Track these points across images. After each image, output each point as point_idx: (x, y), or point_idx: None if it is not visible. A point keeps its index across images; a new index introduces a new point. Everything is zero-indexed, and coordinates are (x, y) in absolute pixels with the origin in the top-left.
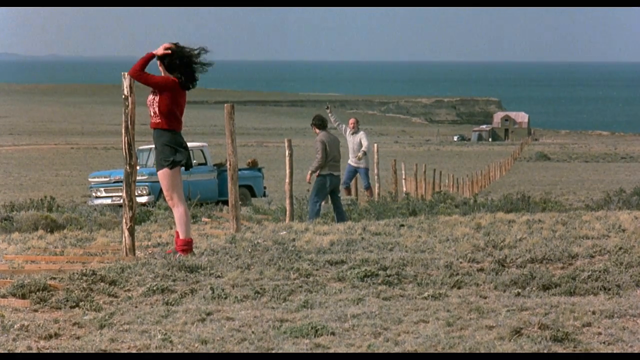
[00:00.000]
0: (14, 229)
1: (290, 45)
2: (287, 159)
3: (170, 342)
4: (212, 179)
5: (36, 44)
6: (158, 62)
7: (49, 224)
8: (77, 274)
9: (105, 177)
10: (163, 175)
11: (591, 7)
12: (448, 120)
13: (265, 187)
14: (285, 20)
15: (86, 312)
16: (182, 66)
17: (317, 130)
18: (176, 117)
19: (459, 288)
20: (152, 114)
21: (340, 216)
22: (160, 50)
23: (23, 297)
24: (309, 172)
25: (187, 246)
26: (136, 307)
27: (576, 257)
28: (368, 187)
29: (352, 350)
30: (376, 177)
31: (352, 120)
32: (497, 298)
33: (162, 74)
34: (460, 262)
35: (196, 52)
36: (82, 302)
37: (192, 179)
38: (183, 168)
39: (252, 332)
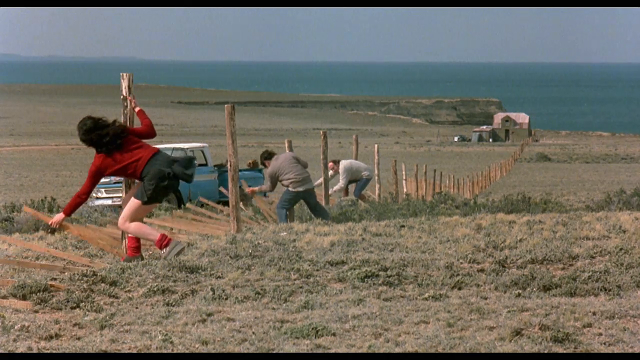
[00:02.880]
0: (14, 229)
1: (291, 46)
2: None
3: (171, 342)
4: (212, 180)
5: (36, 44)
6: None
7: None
8: (77, 274)
9: (105, 178)
10: (135, 204)
11: (591, 7)
12: (448, 121)
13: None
14: (286, 20)
15: (87, 312)
16: (100, 141)
17: (268, 163)
18: (137, 160)
19: (459, 289)
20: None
21: (323, 215)
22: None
23: (24, 298)
24: (257, 189)
25: (163, 240)
26: (137, 307)
27: (577, 258)
28: (357, 196)
29: (352, 350)
30: (376, 177)
31: (330, 165)
32: (498, 299)
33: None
34: (461, 263)
35: (100, 123)
36: (83, 303)
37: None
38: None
39: (253, 332)
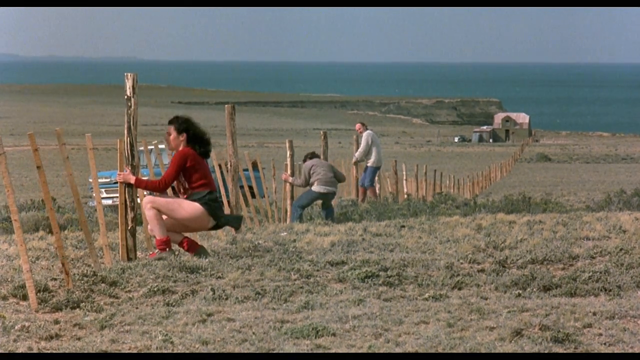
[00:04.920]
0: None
1: (291, 46)
2: (289, 159)
3: (171, 342)
4: None
5: (36, 44)
6: (171, 128)
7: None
8: (78, 275)
9: (106, 178)
10: (177, 204)
11: (591, 7)
12: (449, 121)
13: (266, 188)
14: (286, 20)
15: (87, 313)
16: (194, 138)
17: (308, 160)
18: (205, 184)
19: (459, 289)
20: (182, 190)
21: (330, 215)
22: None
23: (24, 298)
24: (294, 180)
25: (164, 245)
26: (137, 308)
27: (577, 258)
28: (369, 186)
29: (352, 351)
30: (377, 177)
31: (357, 126)
32: (498, 299)
33: (172, 137)
34: (461, 263)
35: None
36: (83, 303)
37: None
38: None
39: (253, 333)
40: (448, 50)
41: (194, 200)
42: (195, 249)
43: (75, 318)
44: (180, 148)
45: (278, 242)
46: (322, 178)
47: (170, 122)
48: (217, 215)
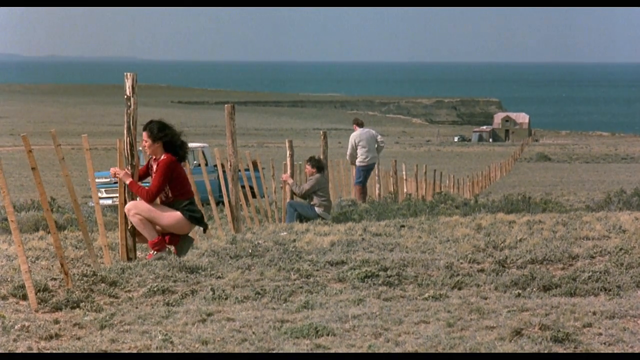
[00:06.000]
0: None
1: (291, 46)
2: (288, 159)
3: (171, 342)
4: (212, 180)
5: (37, 44)
6: (145, 135)
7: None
8: (77, 274)
9: (105, 178)
10: (172, 217)
11: (591, 7)
12: (448, 121)
13: (266, 188)
14: (286, 20)
15: (87, 312)
16: (172, 144)
17: (314, 170)
18: (187, 191)
19: (459, 289)
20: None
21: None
22: (126, 178)
23: (24, 298)
24: (293, 185)
25: (159, 245)
26: (137, 307)
27: (577, 258)
28: (356, 184)
29: (352, 350)
30: (377, 177)
31: (354, 125)
32: (498, 299)
33: (148, 145)
34: (461, 263)
35: (177, 131)
36: (83, 303)
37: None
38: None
39: (253, 332)
40: (448, 50)
41: (176, 209)
42: (176, 242)
43: (75, 318)
44: (162, 157)
45: (278, 242)
46: (326, 204)
47: (145, 129)
48: (198, 222)
